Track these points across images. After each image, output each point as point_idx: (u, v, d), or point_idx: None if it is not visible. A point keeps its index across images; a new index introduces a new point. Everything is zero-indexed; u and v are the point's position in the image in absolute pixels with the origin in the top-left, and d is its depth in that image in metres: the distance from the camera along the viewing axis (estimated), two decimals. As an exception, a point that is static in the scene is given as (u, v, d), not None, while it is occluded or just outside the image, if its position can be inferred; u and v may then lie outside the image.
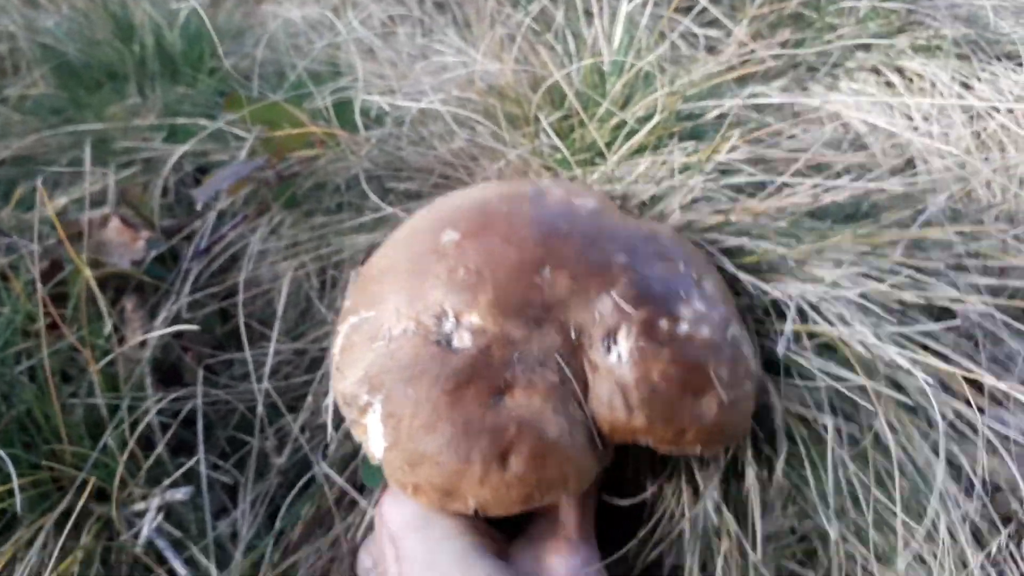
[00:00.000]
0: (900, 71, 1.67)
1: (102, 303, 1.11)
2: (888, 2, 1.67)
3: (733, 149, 1.10)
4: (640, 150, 1.23)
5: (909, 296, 0.96)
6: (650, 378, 0.74)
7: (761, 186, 1.13)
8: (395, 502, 0.75)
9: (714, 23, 1.84)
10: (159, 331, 1.20)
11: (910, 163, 1.59)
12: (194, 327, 1.17)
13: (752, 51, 1.70)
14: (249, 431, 1.16)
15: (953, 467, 0.97)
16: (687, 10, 1.76)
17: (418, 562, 0.70)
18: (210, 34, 1.88)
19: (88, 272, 1.06)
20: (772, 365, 1.07)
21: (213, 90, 1.81)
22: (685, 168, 1.16)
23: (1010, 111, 1.52)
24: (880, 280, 1.03)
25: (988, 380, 0.89)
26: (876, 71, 1.70)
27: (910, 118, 1.63)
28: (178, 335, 1.27)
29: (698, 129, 1.27)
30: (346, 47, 1.66)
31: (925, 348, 0.98)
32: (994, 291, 1.07)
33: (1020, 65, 1.63)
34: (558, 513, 0.77)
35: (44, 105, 1.86)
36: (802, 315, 1.03)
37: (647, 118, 1.19)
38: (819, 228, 1.09)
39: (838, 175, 1.11)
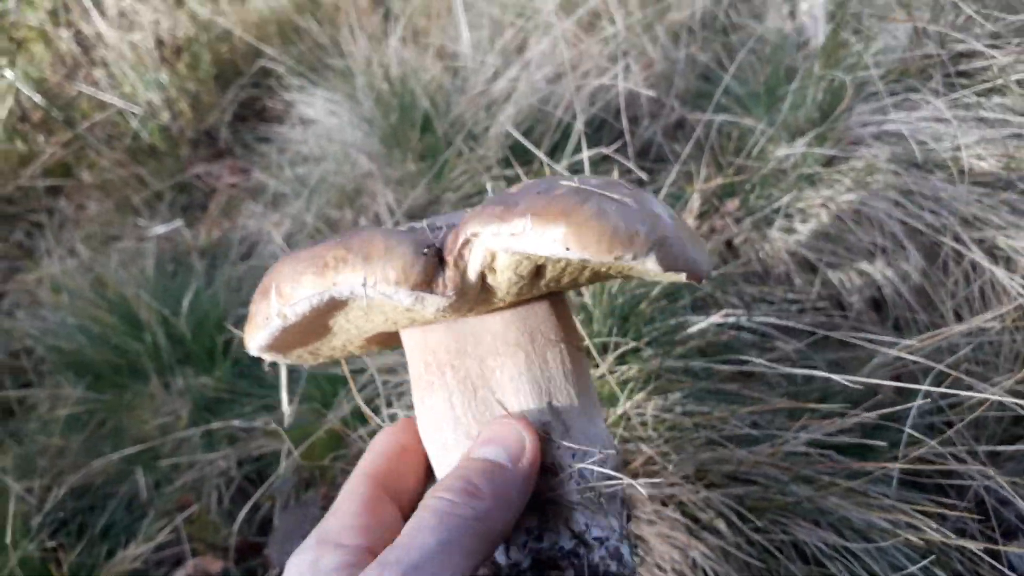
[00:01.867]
0: (848, 205, 1.80)
1: None
2: (818, 148, 1.80)
3: (732, 414, 1.22)
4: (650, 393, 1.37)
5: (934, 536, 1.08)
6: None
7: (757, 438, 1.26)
8: None
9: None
10: None
11: (879, 305, 1.72)
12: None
13: (707, 224, 1.83)
14: None
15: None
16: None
17: None
18: (218, 312, 2.02)
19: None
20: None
21: (230, 373, 1.94)
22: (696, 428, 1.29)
23: (956, 238, 1.65)
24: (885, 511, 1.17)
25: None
26: (825, 206, 1.83)
27: (871, 251, 1.75)
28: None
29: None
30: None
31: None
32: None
33: (952, 175, 1.75)
34: None
35: (79, 420, 1.99)
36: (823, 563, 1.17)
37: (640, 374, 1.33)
38: (823, 470, 1.23)
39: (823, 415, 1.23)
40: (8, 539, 1.54)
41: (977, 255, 1.63)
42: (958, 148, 1.75)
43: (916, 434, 1.09)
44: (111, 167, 3.52)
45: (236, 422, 1.70)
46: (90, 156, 3.61)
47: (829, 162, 1.86)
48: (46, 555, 1.63)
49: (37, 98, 3.75)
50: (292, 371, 1.74)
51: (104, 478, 1.83)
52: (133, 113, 3.67)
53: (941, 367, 1.20)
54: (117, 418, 1.97)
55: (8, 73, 3.90)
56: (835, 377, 1.08)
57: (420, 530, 0.57)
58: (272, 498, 1.53)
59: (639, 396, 1.35)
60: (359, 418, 1.50)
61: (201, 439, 1.81)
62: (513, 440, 0.64)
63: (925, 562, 1.06)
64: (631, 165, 1.77)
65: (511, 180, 2.03)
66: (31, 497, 1.71)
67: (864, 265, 1.77)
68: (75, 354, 2.06)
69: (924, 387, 1.22)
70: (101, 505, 1.80)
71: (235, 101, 3.66)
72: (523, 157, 2.00)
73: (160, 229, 2.98)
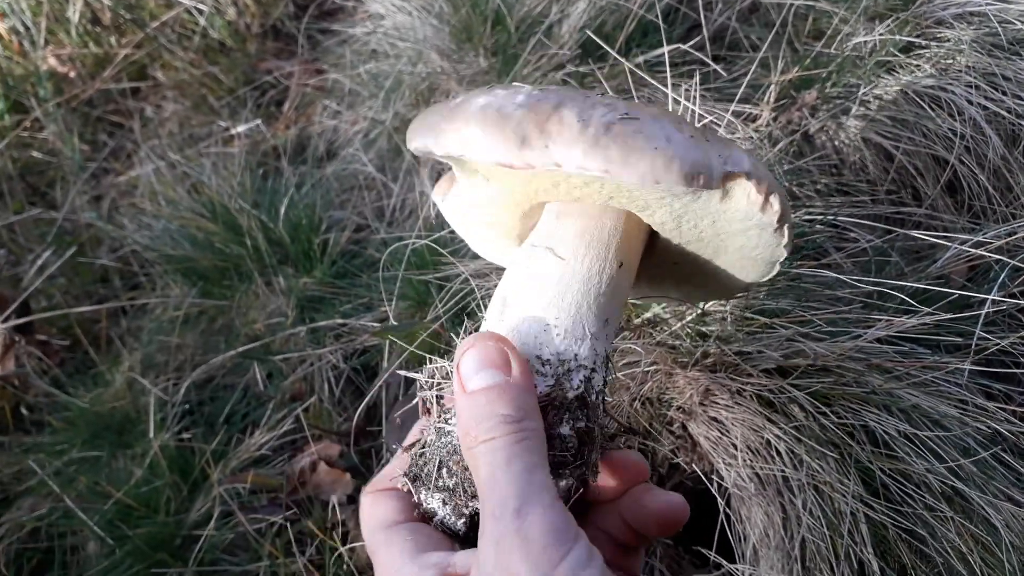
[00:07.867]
0: (927, 91, 1.79)
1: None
2: (898, 35, 1.78)
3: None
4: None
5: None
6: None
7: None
8: None
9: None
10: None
11: (954, 190, 1.74)
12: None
13: (785, 112, 1.85)
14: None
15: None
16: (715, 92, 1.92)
17: None
18: (311, 216, 2.14)
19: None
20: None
21: (328, 273, 2.07)
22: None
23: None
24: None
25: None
26: (903, 92, 1.83)
27: (949, 138, 1.76)
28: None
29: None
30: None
31: None
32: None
33: (1038, 54, 1.73)
34: None
35: (190, 320, 2.17)
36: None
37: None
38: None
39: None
40: (152, 432, 1.73)
41: (1059, 139, 1.63)
42: (1045, 27, 1.72)
43: (987, 335, 1.16)
44: (184, 67, 3.60)
45: (341, 320, 1.84)
46: (163, 56, 3.69)
47: (908, 47, 1.84)
48: (181, 444, 1.83)
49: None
50: (388, 272, 1.86)
51: (223, 372, 2.02)
52: (199, 10, 3.71)
53: (1015, 262, 1.25)
54: (227, 317, 2.13)
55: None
56: (906, 291, 1.14)
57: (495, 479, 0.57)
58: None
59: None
60: (455, 320, 1.62)
61: (307, 335, 1.96)
62: (496, 356, 0.64)
63: (995, 449, 1.15)
64: (708, 60, 1.79)
65: (585, 76, 2.06)
66: (161, 393, 1.90)
67: (941, 150, 1.78)
68: (182, 259, 2.21)
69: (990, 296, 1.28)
70: (221, 397, 1.99)
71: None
72: (597, 52, 2.02)
73: (241, 128, 3.08)
